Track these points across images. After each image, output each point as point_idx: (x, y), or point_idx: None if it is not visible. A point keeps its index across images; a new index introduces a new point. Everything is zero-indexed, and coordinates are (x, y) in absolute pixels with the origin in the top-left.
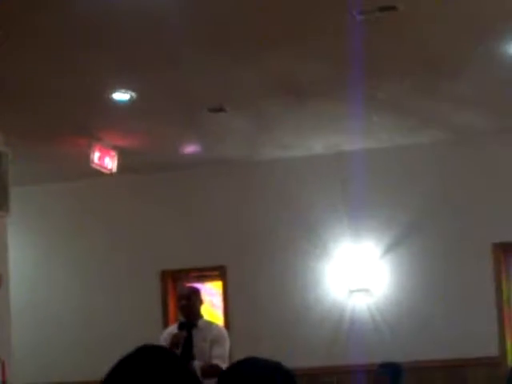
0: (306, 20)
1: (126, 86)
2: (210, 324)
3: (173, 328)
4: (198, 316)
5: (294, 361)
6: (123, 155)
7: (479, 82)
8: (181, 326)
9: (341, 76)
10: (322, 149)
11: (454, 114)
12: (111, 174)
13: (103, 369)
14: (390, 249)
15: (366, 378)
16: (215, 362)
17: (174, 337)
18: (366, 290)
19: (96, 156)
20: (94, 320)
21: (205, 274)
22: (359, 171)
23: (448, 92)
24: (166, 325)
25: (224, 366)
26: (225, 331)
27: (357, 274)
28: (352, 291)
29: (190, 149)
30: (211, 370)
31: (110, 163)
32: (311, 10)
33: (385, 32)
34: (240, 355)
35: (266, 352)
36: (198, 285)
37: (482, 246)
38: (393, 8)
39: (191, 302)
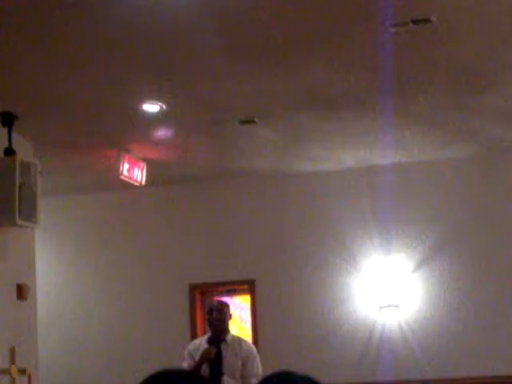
0: (338, 32)
1: (155, 97)
2: (239, 340)
3: (199, 342)
4: (227, 330)
5: (322, 377)
6: (152, 167)
7: None
8: (210, 341)
9: (373, 88)
10: (352, 162)
11: (487, 128)
12: (140, 186)
13: (130, 381)
14: (421, 264)
15: None
16: (253, 381)
17: (205, 352)
18: (396, 306)
19: (125, 168)
20: (122, 333)
21: (234, 288)
22: (390, 185)
23: (481, 106)
24: (193, 339)
25: None
26: (255, 348)
27: (387, 290)
28: (382, 307)
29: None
30: None
31: (139, 175)
32: (344, 22)
33: (418, 44)
34: (268, 370)
35: (294, 367)
36: (226, 299)
37: None
38: (426, 20)
39: (222, 315)
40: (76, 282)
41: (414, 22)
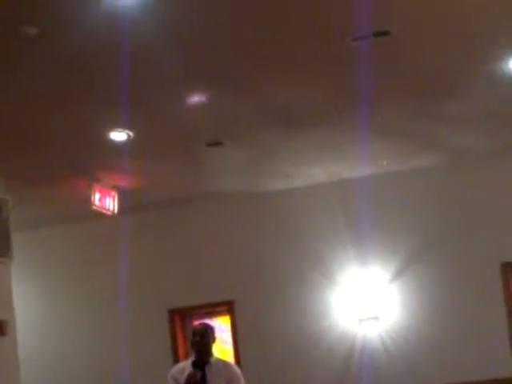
0: (301, 49)
1: (122, 126)
2: (224, 362)
3: (183, 365)
4: (211, 353)
5: None
6: (124, 195)
7: (479, 103)
8: (195, 365)
9: (339, 103)
10: (324, 177)
11: (454, 136)
12: (113, 215)
13: None
14: (397, 275)
15: None
16: None
17: (190, 376)
18: (376, 318)
19: (96, 197)
20: (104, 361)
21: (213, 310)
22: (363, 198)
23: (448, 114)
24: (176, 363)
25: None
26: (239, 369)
27: (365, 303)
28: (362, 320)
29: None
30: None
31: (111, 204)
32: (306, 39)
33: (380, 57)
34: None
35: None
36: (210, 321)
37: (491, 267)
38: (386, 33)
39: (205, 338)
40: (55, 314)
41: (375, 34)
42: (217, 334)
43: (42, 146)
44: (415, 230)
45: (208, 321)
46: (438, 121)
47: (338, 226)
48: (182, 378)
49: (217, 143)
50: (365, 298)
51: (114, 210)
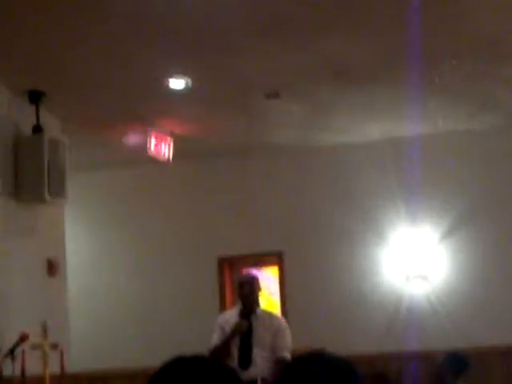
0: (360, 3)
1: (182, 72)
2: (270, 314)
3: (230, 313)
4: (257, 304)
5: (350, 347)
6: (179, 142)
7: None
8: (242, 314)
9: (397, 60)
10: (378, 134)
11: (511, 98)
12: (167, 161)
13: (161, 356)
14: (447, 234)
15: (423, 364)
16: (284, 353)
17: (237, 325)
18: (424, 277)
19: (152, 143)
20: (152, 307)
21: (262, 260)
22: (416, 157)
23: (506, 76)
24: (223, 311)
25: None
26: (285, 321)
27: (414, 261)
28: (409, 278)
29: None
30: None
31: (166, 150)
32: None
33: (443, 15)
34: (297, 342)
35: (322, 338)
36: (255, 271)
37: None
38: None
39: (253, 287)
40: (105, 258)
41: None
42: (264, 285)
43: (101, 91)
44: (466, 192)
45: (254, 271)
46: (497, 82)
47: (390, 184)
48: (228, 327)
49: (274, 95)
50: (413, 257)
51: (168, 156)
